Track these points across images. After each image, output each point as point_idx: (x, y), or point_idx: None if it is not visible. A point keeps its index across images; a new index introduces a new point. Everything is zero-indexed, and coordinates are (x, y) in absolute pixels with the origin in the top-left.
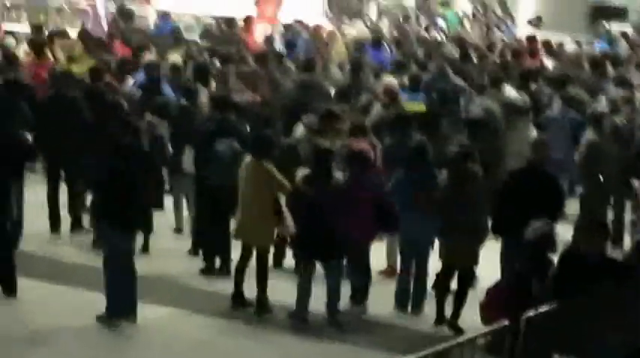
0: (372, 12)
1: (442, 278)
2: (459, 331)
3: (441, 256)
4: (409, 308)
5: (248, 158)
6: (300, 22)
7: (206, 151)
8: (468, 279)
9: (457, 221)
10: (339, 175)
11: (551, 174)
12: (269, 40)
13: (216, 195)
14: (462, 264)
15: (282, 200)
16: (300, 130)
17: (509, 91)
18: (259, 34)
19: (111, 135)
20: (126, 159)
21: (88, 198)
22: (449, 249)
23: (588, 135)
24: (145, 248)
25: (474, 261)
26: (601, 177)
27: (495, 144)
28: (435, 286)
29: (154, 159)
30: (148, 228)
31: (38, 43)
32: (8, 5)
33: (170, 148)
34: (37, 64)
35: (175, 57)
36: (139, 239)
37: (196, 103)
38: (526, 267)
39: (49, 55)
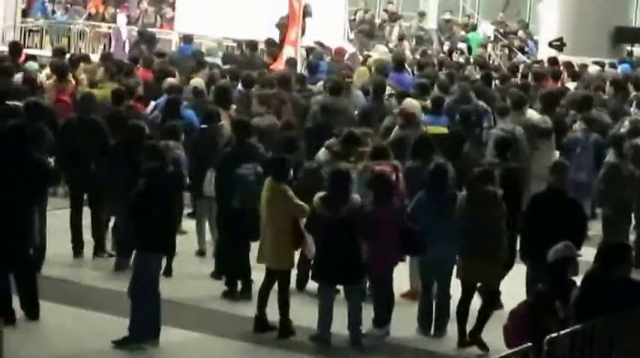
0: (394, 35)
1: (463, 300)
2: (483, 347)
3: (459, 276)
4: (432, 330)
5: (267, 181)
6: (320, 43)
7: (228, 175)
8: (490, 299)
9: (476, 241)
10: (357, 198)
11: (572, 197)
12: (291, 62)
13: (238, 218)
14: (482, 284)
15: (303, 222)
16: (322, 154)
17: (532, 114)
18: (282, 57)
19: (135, 159)
20: (154, 183)
21: (111, 222)
22: (468, 270)
23: (609, 157)
24: (168, 271)
25: (495, 281)
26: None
27: (521, 165)
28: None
29: (179, 182)
30: (171, 252)
31: (61, 66)
32: (31, 29)
33: (188, 171)
34: (60, 87)
35: (198, 80)
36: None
37: (217, 127)
38: (548, 289)
39: (72, 78)
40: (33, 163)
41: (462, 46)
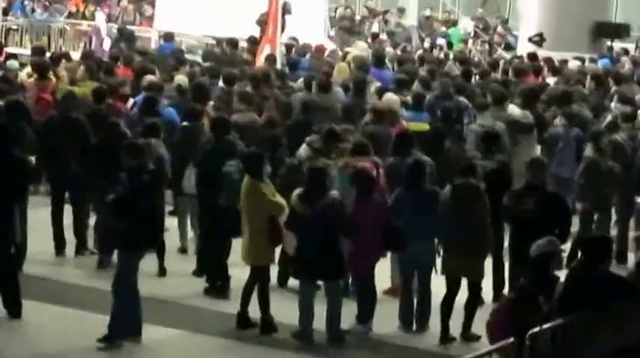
0: (374, 31)
1: (447, 295)
2: (475, 339)
3: (443, 272)
4: (414, 326)
5: (245, 178)
6: (294, 39)
7: (208, 172)
8: (475, 292)
9: (461, 236)
10: (335, 193)
11: (554, 192)
12: (270, 59)
13: (220, 216)
14: (467, 278)
15: (283, 219)
16: (303, 150)
17: (513, 109)
18: (261, 54)
19: (116, 157)
20: (136, 181)
21: (92, 220)
22: (453, 265)
23: (587, 152)
24: (162, 271)
25: (479, 275)
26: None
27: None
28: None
29: (161, 180)
30: (162, 250)
31: (41, 64)
32: (11, 28)
33: (170, 169)
34: (40, 86)
35: (181, 78)
36: (153, 262)
37: (199, 124)
38: (531, 284)
39: (52, 77)
40: (14, 161)
41: (441, 42)
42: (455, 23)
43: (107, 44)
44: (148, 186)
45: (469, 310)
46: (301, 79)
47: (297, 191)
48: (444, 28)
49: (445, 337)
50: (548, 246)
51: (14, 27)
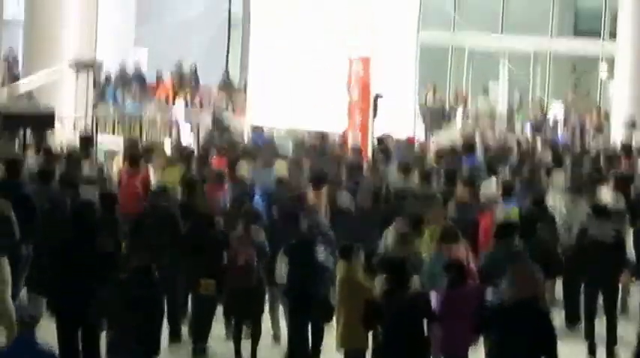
0: (466, 117)
1: None
2: None
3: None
4: None
5: (340, 264)
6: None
7: (300, 259)
8: None
9: None
10: (417, 283)
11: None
12: (356, 150)
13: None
14: None
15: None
16: (390, 236)
17: (605, 195)
18: (351, 143)
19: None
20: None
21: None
22: None
23: None
24: None
25: None
26: None
27: None
28: None
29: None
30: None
31: (133, 154)
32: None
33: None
34: (131, 174)
35: (280, 169)
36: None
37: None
38: None
39: (143, 166)
40: (97, 253)
41: (527, 128)
42: (545, 108)
43: (186, 130)
44: None
45: None
46: (394, 168)
47: (381, 281)
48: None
49: None
50: None
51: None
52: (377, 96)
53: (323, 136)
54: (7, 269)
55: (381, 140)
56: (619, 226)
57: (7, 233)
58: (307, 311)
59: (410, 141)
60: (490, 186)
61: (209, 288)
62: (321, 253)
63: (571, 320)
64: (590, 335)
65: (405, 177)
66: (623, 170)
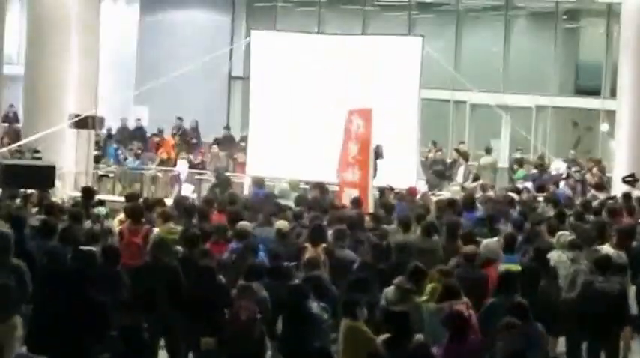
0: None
1: None
2: None
3: None
4: None
5: (345, 322)
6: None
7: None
8: None
9: None
10: (420, 337)
11: None
12: (355, 202)
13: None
14: None
15: None
16: (391, 292)
17: (607, 250)
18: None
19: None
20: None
21: None
22: None
23: None
24: None
25: None
26: None
27: None
28: None
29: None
30: None
31: (135, 210)
32: (103, 175)
33: None
34: (132, 230)
35: (282, 223)
36: None
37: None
38: None
39: (145, 222)
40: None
41: (528, 184)
42: (545, 165)
43: (187, 190)
44: None
45: None
46: (395, 223)
47: (382, 336)
48: (534, 170)
49: None
50: None
51: (107, 174)
52: (378, 147)
53: (322, 188)
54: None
55: (382, 193)
56: (621, 281)
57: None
58: None
59: (412, 192)
60: (492, 242)
61: (209, 346)
62: (315, 306)
63: None
64: None
65: (404, 232)
66: (624, 225)
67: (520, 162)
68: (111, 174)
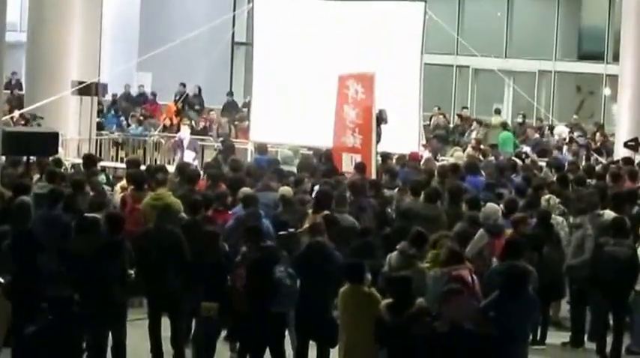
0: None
1: None
2: None
3: None
4: None
5: (347, 287)
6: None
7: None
8: None
9: None
10: (422, 301)
11: None
12: (360, 168)
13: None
14: None
15: None
16: (394, 258)
17: (609, 214)
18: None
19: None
20: None
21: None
22: None
23: None
24: None
25: None
26: None
27: None
28: None
29: None
30: None
31: (138, 176)
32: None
33: None
34: (135, 197)
35: (286, 189)
36: None
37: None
38: None
39: (148, 189)
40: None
41: (527, 149)
42: (551, 129)
43: (189, 157)
44: None
45: None
46: (397, 188)
47: (386, 301)
48: (537, 135)
49: None
50: None
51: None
52: (381, 112)
53: (324, 154)
54: None
55: (384, 159)
56: (631, 244)
57: None
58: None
59: (414, 157)
60: (488, 207)
61: (211, 311)
62: (279, 271)
63: (576, 343)
64: (601, 352)
65: (413, 196)
66: (621, 189)
67: (504, 125)
68: (112, 141)
